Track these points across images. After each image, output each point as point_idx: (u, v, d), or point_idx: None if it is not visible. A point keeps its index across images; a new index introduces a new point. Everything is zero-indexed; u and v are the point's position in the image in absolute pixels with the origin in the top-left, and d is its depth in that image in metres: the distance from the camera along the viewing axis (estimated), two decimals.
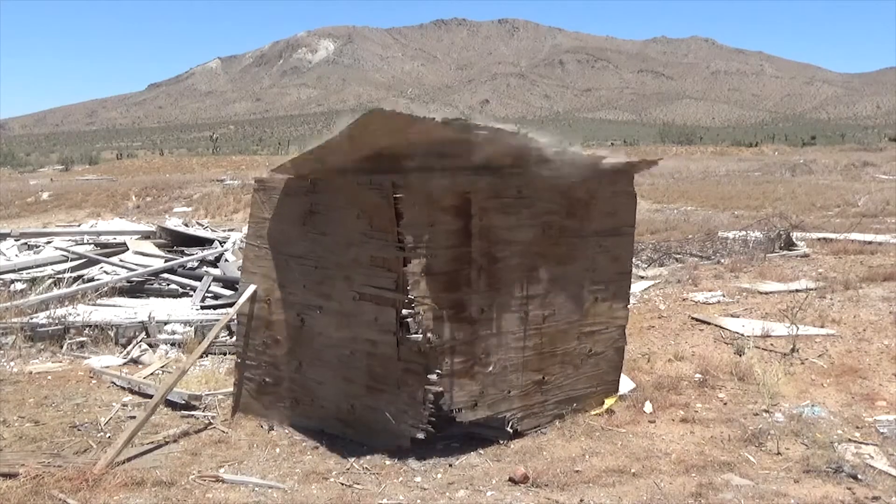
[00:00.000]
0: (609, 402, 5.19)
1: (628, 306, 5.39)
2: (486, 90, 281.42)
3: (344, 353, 4.71)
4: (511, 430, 4.71)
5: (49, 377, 6.09)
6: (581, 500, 3.87)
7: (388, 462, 4.38)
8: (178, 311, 7.84)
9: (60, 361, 6.64)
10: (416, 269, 4.29)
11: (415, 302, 4.29)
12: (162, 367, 6.50)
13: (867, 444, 4.55)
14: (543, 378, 4.89)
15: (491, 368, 4.65)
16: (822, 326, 6.87)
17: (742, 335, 6.75)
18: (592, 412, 5.09)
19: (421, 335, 4.30)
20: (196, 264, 9.80)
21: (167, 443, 4.71)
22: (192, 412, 5.24)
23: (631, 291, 8.95)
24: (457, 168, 4.47)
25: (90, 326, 7.21)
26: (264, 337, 5.10)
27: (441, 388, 4.40)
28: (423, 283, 4.31)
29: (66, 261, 9.89)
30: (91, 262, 9.95)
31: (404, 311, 4.31)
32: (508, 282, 4.67)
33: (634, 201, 5.24)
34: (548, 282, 4.83)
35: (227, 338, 7.20)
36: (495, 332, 4.65)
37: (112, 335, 7.16)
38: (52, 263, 9.87)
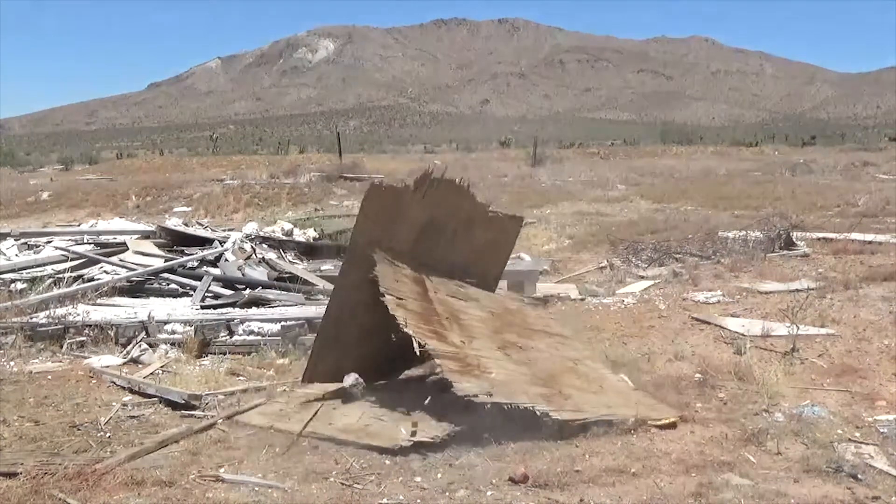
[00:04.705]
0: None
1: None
2: (486, 90, 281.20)
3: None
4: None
5: (49, 377, 6.09)
6: (581, 500, 3.87)
7: (388, 462, 4.38)
8: (178, 311, 7.85)
9: (60, 361, 6.63)
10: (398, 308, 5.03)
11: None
12: (162, 366, 6.50)
13: (867, 444, 4.55)
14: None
15: (493, 375, 4.88)
16: (822, 326, 6.87)
17: (742, 335, 6.75)
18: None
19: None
20: (196, 264, 9.80)
21: (167, 443, 4.71)
22: (192, 412, 5.24)
23: (631, 291, 8.99)
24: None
25: (90, 326, 7.21)
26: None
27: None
28: (409, 318, 4.99)
29: (66, 260, 9.88)
30: (91, 262, 9.95)
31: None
32: (478, 331, 5.50)
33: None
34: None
35: (227, 337, 7.21)
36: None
37: (112, 335, 7.16)
38: (52, 263, 9.87)
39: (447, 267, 6.16)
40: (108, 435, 4.86)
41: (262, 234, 12.37)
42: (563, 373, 5.28)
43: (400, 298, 5.12)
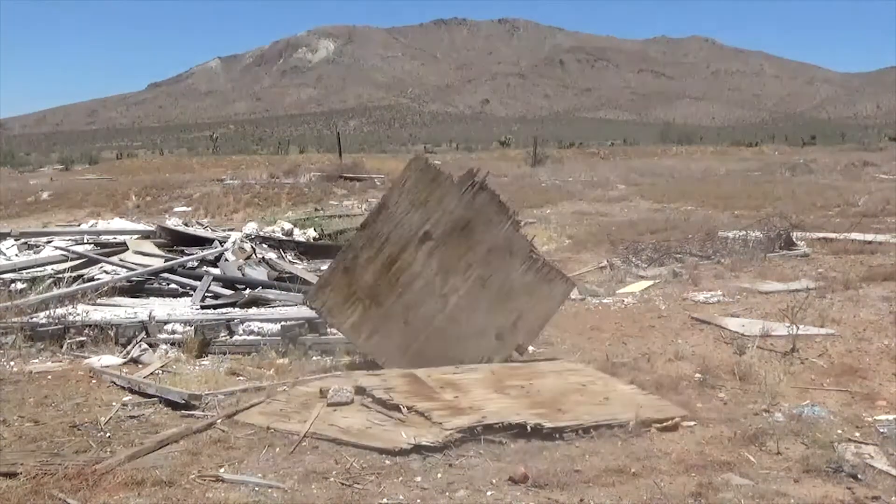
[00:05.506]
0: None
1: None
2: (486, 90, 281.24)
3: None
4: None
5: (49, 377, 6.08)
6: (581, 500, 3.87)
7: (388, 462, 4.38)
8: (178, 311, 7.85)
9: (60, 361, 6.62)
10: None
11: None
12: (162, 366, 6.50)
13: (867, 444, 4.54)
14: None
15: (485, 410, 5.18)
16: (822, 326, 6.87)
17: (742, 335, 6.75)
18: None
19: None
20: (196, 264, 9.80)
21: (167, 443, 4.71)
22: (192, 412, 5.24)
23: (631, 291, 8.99)
24: None
25: (90, 326, 7.20)
26: None
27: None
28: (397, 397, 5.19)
29: (66, 260, 9.88)
30: (91, 262, 9.95)
31: None
32: (475, 386, 5.51)
33: None
34: None
35: (227, 337, 7.21)
36: None
37: (112, 335, 7.15)
38: (52, 263, 9.86)
39: (470, 286, 5.98)
40: (108, 435, 4.85)
41: (262, 234, 12.38)
42: (567, 394, 5.21)
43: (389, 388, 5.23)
